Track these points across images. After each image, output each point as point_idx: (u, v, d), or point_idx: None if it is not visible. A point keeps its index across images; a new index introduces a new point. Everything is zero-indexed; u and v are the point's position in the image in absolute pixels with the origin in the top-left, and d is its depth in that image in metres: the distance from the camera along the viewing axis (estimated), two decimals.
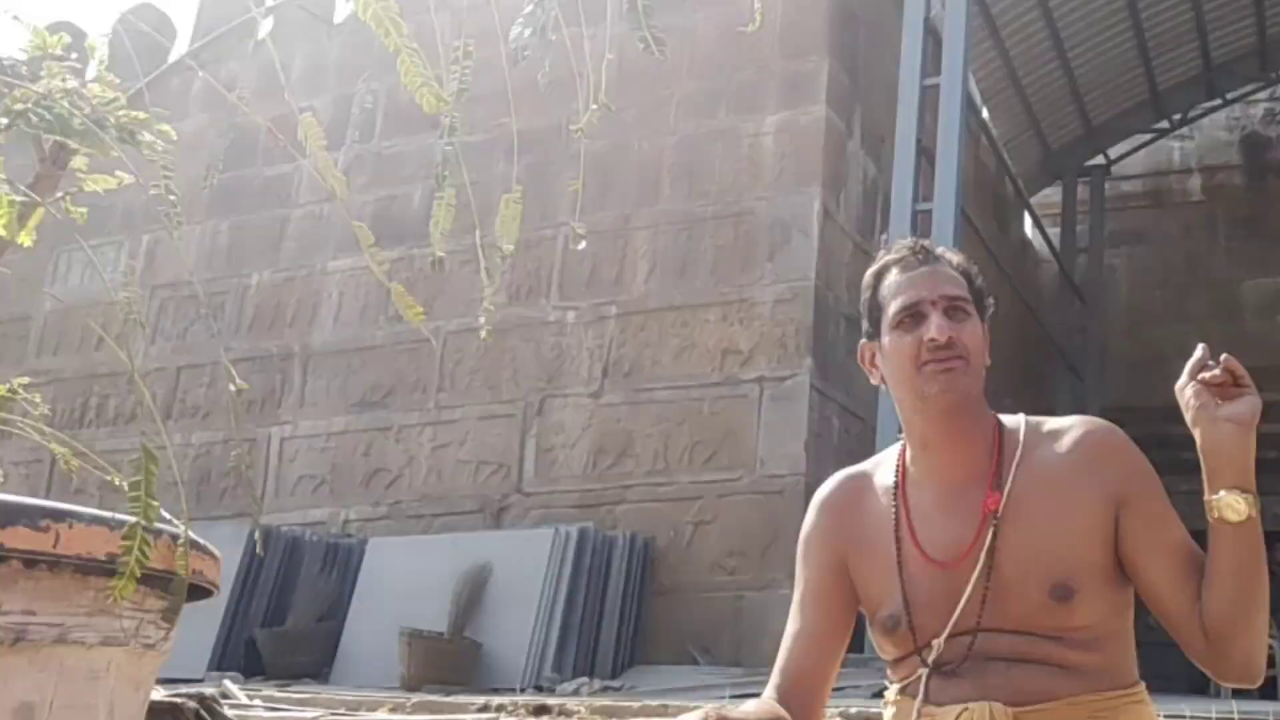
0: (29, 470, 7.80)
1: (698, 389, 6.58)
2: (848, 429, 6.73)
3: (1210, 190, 11.13)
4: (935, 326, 1.47)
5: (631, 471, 6.58)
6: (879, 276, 1.57)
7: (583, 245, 6.94)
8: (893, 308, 1.52)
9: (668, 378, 6.66)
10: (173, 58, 8.65)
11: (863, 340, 1.59)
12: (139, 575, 1.02)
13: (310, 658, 6.21)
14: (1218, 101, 10.90)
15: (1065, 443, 1.49)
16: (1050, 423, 1.54)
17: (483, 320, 1.46)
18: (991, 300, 1.59)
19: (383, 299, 7.24)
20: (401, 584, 6.18)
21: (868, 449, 6.08)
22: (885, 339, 1.53)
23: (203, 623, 5.88)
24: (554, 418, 6.86)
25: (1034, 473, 1.47)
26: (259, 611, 6.41)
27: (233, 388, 1.18)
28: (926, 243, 1.58)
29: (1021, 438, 1.51)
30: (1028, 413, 1.60)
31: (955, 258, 1.58)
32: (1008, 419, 1.56)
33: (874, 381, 1.58)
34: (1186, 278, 10.78)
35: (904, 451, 1.57)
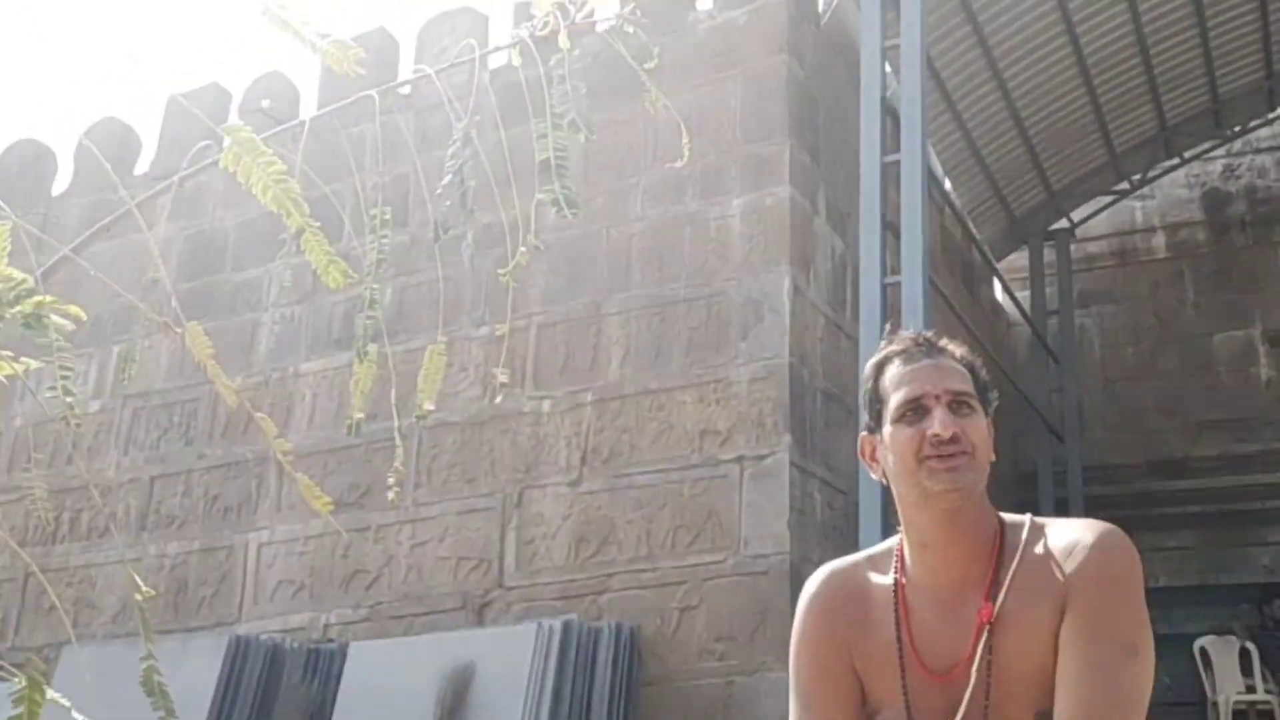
0: (3, 589, 7.67)
1: (677, 472, 6.54)
2: (830, 503, 6.69)
3: (1175, 246, 11.27)
4: (939, 421, 1.44)
5: (614, 559, 6.50)
6: (880, 368, 1.54)
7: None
8: (895, 400, 1.49)
9: (647, 462, 6.62)
10: (139, 167, 8.70)
11: (863, 433, 1.56)
12: None
13: None
14: (1176, 160, 11.09)
15: (1059, 549, 1.43)
16: (1055, 526, 1.48)
17: (391, 481, 1.45)
18: (996, 394, 1.55)
19: (357, 400, 7.19)
20: (385, 688, 6.06)
21: (851, 523, 6.05)
22: (887, 432, 1.50)
23: None
24: (533, 509, 6.79)
25: (1025, 582, 1.42)
26: None
27: (138, 597, 1.15)
28: (930, 335, 1.56)
29: (1023, 539, 1.46)
30: (1011, 475, 1.56)
31: (959, 350, 1.55)
32: (1012, 518, 1.51)
33: (874, 476, 1.55)
34: (1158, 334, 10.86)
35: (902, 549, 1.53)
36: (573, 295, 7.01)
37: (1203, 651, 7.99)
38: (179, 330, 1.26)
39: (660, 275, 6.99)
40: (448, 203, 1.27)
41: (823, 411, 6.66)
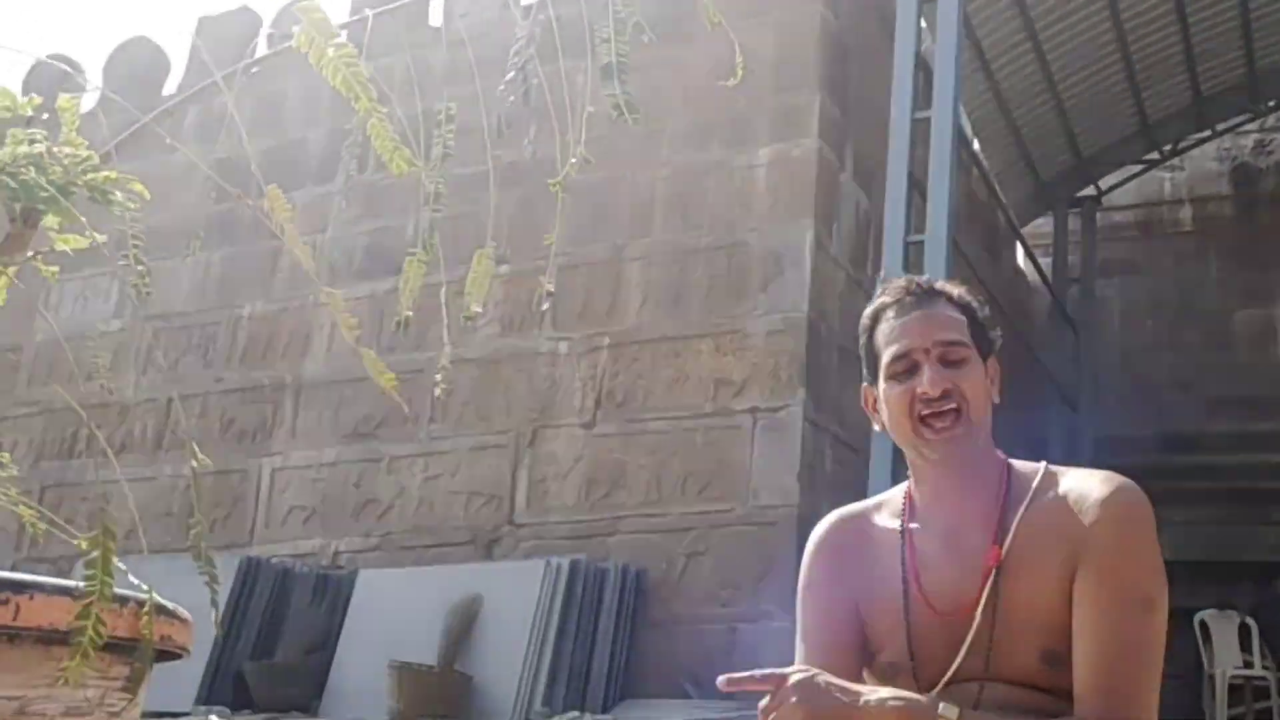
0: (2, 524, 7.76)
1: (690, 419, 6.57)
2: (841, 461, 6.72)
3: (1201, 221, 11.17)
4: (928, 379, 1.44)
5: (624, 503, 6.56)
6: (875, 319, 1.53)
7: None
8: (886, 356, 1.49)
9: (660, 408, 6.65)
10: (168, 89, 8.68)
11: (864, 384, 1.56)
12: (92, 652, 1.00)
13: (299, 691, 6.16)
14: (1208, 133, 10.95)
15: (1072, 496, 1.43)
16: (1070, 475, 1.48)
17: (439, 378, 1.47)
18: (998, 332, 1.54)
19: (375, 330, 7.23)
20: (392, 616, 6.15)
21: (861, 481, 6.07)
22: (881, 388, 1.50)
23: (190, 656, 5.82)
24: (546, 448, 6.84)
25: (1036, 526, 1.43)
26: (248, 644, 6.36)
27: (194, 464, 1.18)
28: (924, 280, 1.54)
29: (1034, 486, 1.47)
30: (1024, 442, 1.56)
31: (955, 290, 1.53)
32: (1024, 465, 1.51)
33: (875, 427, 1.55)
34: (1178, 308, 10.80)
35: (910, 494, 1.55)
36: (594, 239, 7.00)
37: (1203, 625, 8.04)
38: (249, 203, 1.28)
39: (683, 223, 6.97)
40: (510, 99, 1.26)
41: (839, 368, 6.66)
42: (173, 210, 6.90)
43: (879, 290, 1.57)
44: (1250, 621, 8.06)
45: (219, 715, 5.53)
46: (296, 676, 6.20)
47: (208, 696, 6.01)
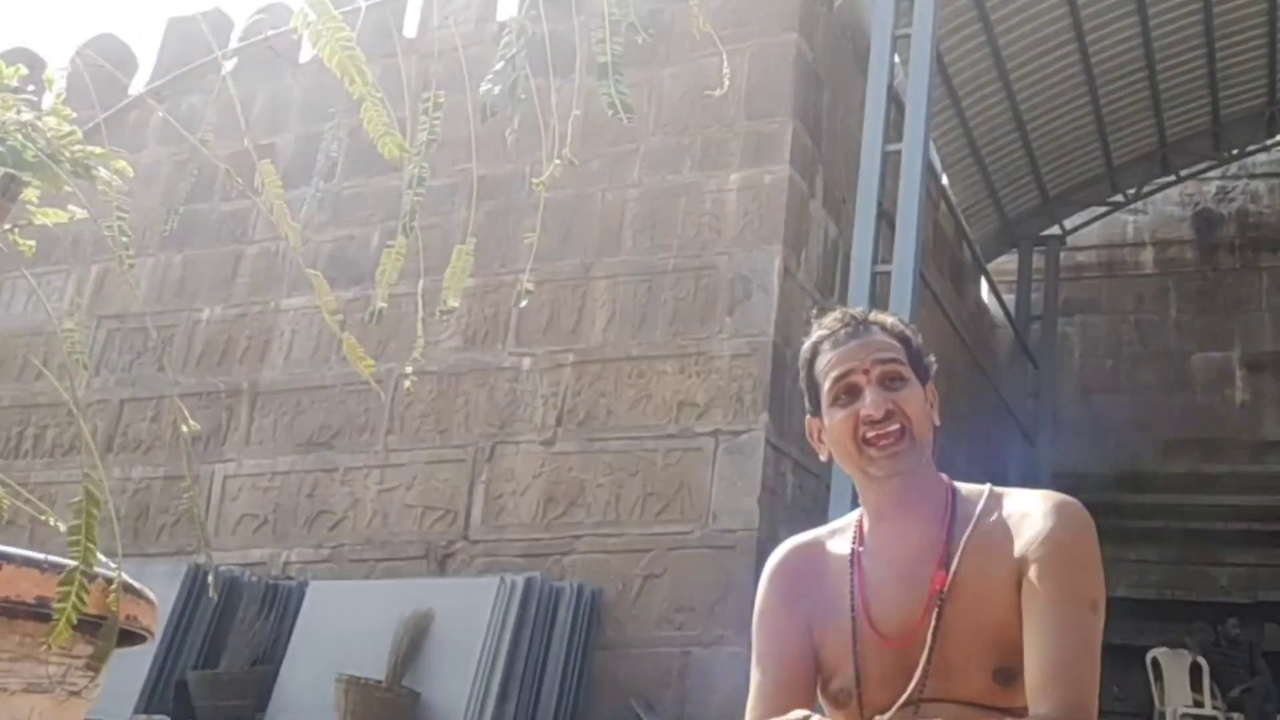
0: None
1: (652, 440, 6.53)
2: (802, 486, 6.71)
3: (1163, 263, 11.34)
4: (871, 402, 1.46)
5: (581, 521, 6.50)
6: (814, 352, 1.56)
7: (524, 304, 6.92)
8: (827, 382, 1.51)
9: (622, 428, 6.61)
10: (133, 90, 8.57)
11: (808, 416, 1.57)
12: (95, 615, 0.97)
13: (243, 702, 6.03)
14: (1172, 178, 11.14)
15: (1016, 515, 1.45)
16: (1013, 495, 1.50)
17: (409, 370, 1.44)
18: (932, 358, 1.56)
19: (335, 339, 7.14)
20: (341, 629, 6.04)
21: (821, 507, 6.06)
22: (825, 416, 1.51)
23: (133, 663, 5.70)
24: (504, 464, 6.77)
25: (981, 548, 1.44)
26: (192, 653, 6.23)
27: (185, 429, 1.14)
28: (856, 312, 1.57)
29: (979, 508, 1.48)
30: (982, 474, 1.57)
31: (889, 319, 1.56)
32: (969, 488, 1.53)
33: (823, 458, 1.58)
34: (1138, 348, 10.94)
35: (861, 520, 1.55)
36: (562, 255, 6.97)
37: (1154, 662, 8.08)
38: (238, 180, 1.25)
39: (652, 243, 6.96)
40: (496, 89, 1.25)
41: (802, 394, 6.66)
42: (132, 212, 6.78)
43: (815, 326, 1.59)
44: (1202, 661, 8.12)
45: None
46: (241, 687, 6.07)
47: (148, 705, 5.87)
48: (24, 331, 8.07)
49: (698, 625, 6.09)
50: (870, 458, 1.46)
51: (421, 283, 1.84)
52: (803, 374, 1.57)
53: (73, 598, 1.01)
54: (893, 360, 1.49)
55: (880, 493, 1.49)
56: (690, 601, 6.15)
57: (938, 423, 1.53)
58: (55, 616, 1.00)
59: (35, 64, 8.90)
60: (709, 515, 6.26)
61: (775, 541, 1.70)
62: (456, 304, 1.41)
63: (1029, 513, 1.43)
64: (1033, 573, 1.38)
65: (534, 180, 1.50)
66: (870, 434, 1.46)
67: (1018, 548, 1.41)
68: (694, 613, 6.13)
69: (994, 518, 1.46)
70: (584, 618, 6.13)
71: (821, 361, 1.53)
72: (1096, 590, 1.40)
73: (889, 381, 1.48)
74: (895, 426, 1.45)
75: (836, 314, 1.57)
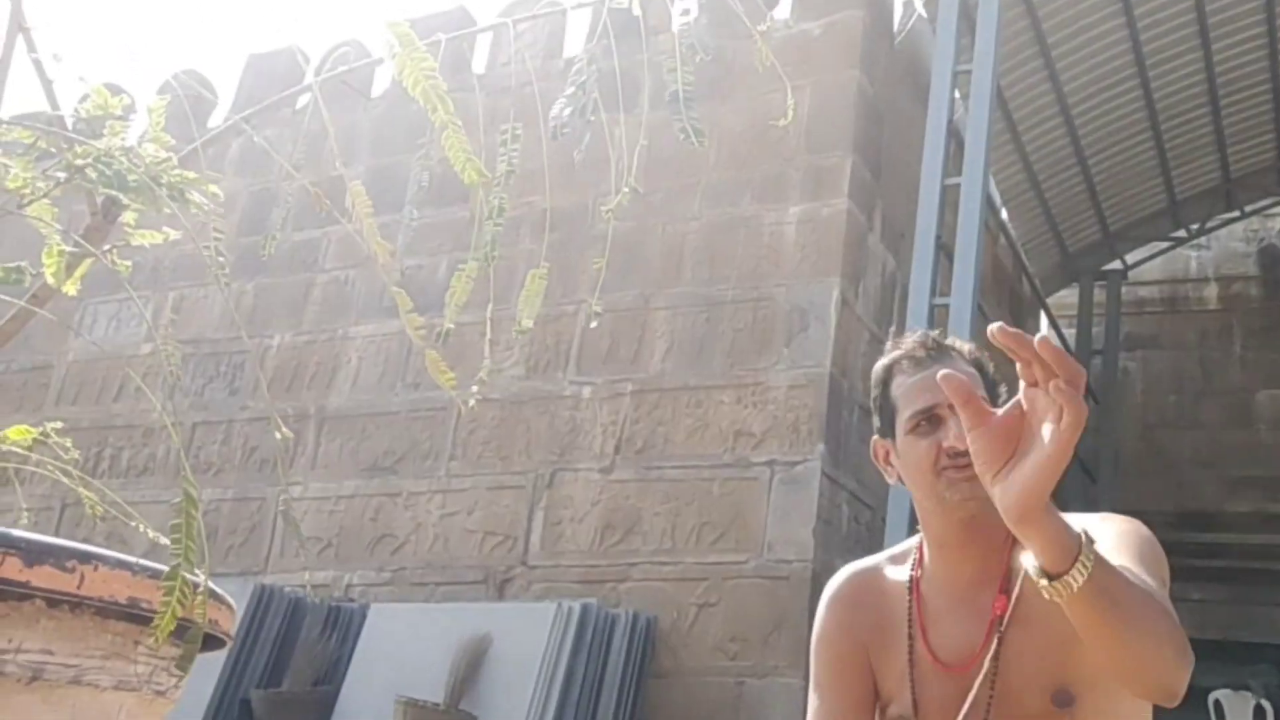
0: (38, 517, 7.82)
1: (708, 469, 6.59)
2: (857, 517, 6.72)
3: (1226, 299, 11.18)
4: (956, 435, 1.45)
5: (638, 549, 6.56)
6: (889, 372, 1.57)
7: (594, 325, 7.03)
8: (908, 411, 1.51)
9: (679, 456, 6.68)
10: (213, 122, 8.86)
11: (875, 436, 1.60)
12: (178, 618, 1.03)
13: None
14: (1236, 213, 10.99)
15: None
16: (1073, 517, 1.48)
17: (475, 390, 1.51)
18: (1004, 389, 1.57)
19: (401, 366, 7.31)
20: (401, 651, 6.15)
21: (877, 538, 6.07)
22: (900, 441, 1.52)
23: (199, 681, 5.85)
24: (563, 491, 6.87)
25: None
26: (256, 672, 6.37)
27: (278, 435, 1.23)
28: (936, 335, 1.59)
29: None
30: None
31: (965, 347, 1.58)
32: None
33: (890, 480, 1.58)
34: (1201, 385, 10.77)
35: (921, 547, 1.57)
36: (623, 286, 7.08)
37: (1217, 704, 7.93)
38: (326, 202, 1.34)
39: (711, 275, 7.04)
40: (568, 111, 1.32)
41: (858, 426, 6.68)
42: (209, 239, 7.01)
43: (890, 345, 1.60)
44: (1265, 704, 7.96)
45: None
46: (303, 707, 6.20)
47: None
48: (103, 356, 8.36)
49: (751, 656, 6.11)
50: (949, 480, 1.46)
51: (490, 307, 1.93)
52: (876, 393, 1.58)
53: (176, 594, 1.04)
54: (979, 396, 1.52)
55: (950, 519, 1.49)
56: (744, 632, 6.18)
57: None
58: (159, 613, 1.04)
59: (205, 88, 9.22)
60: (764, 545, 6.30)
61: (830, 573, 1.73)
62: (530, 324, 1.47)
63: (1090, 527, 1.44)
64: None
65: (604, 208, 1.56)
66: (948, 465, 1.46)
67: None
68: (748, 643, 6.15)
69: None
70: (639, 645, 6.18)
71: (899, 383, 1.54)
72: (1166, 573, 1.40)
73: None
74: None
75: (916, 336, 1.58)
